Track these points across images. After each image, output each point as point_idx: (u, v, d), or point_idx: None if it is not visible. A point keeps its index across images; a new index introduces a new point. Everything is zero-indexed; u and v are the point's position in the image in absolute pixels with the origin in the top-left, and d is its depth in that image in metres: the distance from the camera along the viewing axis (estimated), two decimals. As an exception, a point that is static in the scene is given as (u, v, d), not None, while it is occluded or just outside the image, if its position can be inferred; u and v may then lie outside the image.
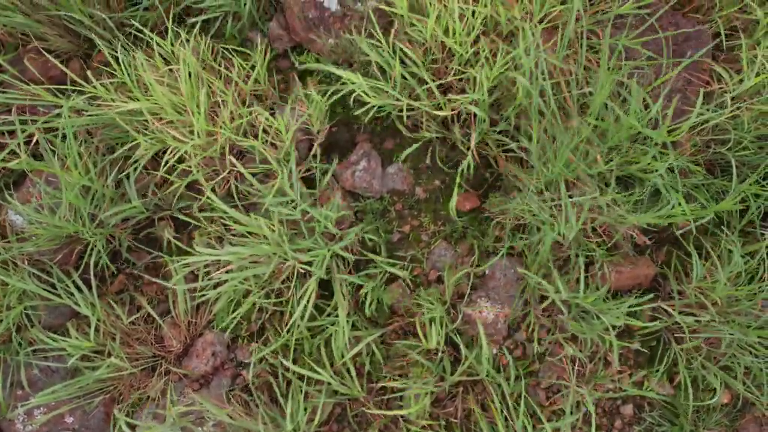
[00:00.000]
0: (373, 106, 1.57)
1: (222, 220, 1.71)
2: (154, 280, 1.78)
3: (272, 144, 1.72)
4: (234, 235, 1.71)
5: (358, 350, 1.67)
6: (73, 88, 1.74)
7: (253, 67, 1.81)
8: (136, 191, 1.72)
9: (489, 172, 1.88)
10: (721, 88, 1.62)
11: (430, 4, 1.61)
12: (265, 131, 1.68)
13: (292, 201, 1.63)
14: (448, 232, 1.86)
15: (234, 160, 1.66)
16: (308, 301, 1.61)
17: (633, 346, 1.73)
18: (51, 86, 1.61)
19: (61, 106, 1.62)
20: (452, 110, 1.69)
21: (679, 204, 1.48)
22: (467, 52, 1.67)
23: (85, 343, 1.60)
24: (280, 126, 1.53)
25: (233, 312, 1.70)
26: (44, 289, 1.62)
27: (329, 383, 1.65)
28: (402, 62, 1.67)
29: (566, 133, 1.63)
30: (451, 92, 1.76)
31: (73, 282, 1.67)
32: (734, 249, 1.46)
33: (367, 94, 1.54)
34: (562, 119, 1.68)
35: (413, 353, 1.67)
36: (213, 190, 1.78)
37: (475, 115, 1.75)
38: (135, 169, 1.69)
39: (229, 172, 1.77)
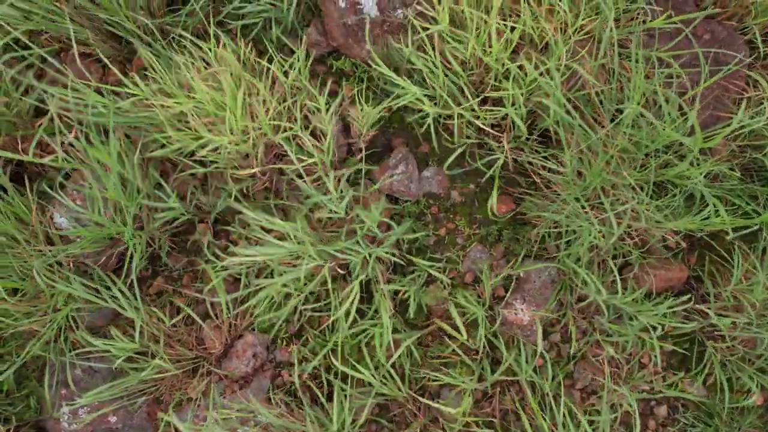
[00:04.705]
0: (426, 114, 1.59)
1: (263, 220, 1.73)
2: (191, 289, 1.79)
3: (314, 145, 1.74)
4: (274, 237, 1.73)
5: (399, 353, 1.69)
6: (114, 88, 1.75)
7: (292, 70, 1.83)
8: (177, 194, 1.74)
9: (524, 179, 1.90)
10: (757, 94, 1.65)
11: (471, 20, 1.63)
12: (305, 127, 1.70)
13: (332, 200, 1.65)
14: (483, 234, 1.89)
15: (271, 163, 1.68)
16: (352, 304, 1.63)
17: (667, 347, 1.76)
18: (101, 85, 1.63)
19: (104, 107, 1.63)
20: (492, 118, 1.72)
21: (717, 212, 1.51)
22: (503, 68, 1.69)
23: (130, 345, 1.62)
24: (324, 121, 1.55)
25: (274, 314, 1.72)
26: (89, 293, 1.63)
27: (371, 384, 1.67)
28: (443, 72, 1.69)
29: (600, 144, 1.66)
30: (487, 104, 1.79)
31: (117, 286, 1.69)
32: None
33: (422, 102, 1.56)
34: (596, 130, 1.71)
35: (456, 352, 1.70)
36: (248, 192, 1.80)
37: (512, 123, 1.78)
38: (169, 167, 1.71)
39: (265, 174, 1.79)
